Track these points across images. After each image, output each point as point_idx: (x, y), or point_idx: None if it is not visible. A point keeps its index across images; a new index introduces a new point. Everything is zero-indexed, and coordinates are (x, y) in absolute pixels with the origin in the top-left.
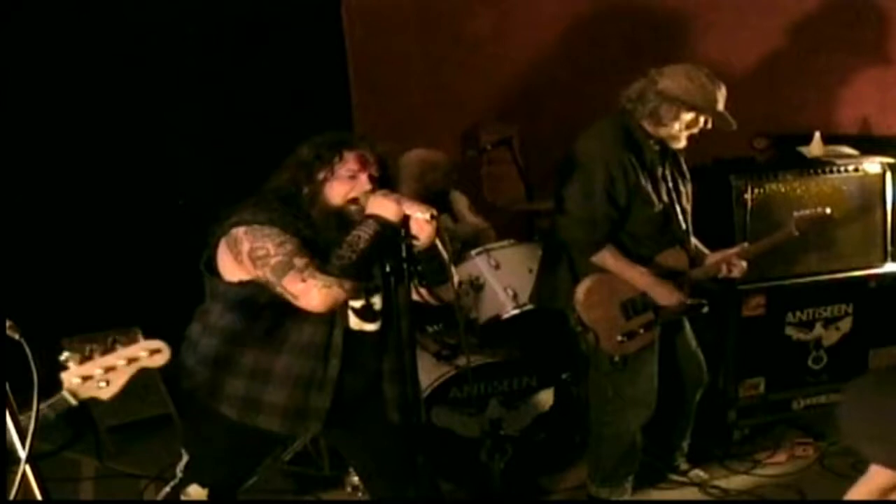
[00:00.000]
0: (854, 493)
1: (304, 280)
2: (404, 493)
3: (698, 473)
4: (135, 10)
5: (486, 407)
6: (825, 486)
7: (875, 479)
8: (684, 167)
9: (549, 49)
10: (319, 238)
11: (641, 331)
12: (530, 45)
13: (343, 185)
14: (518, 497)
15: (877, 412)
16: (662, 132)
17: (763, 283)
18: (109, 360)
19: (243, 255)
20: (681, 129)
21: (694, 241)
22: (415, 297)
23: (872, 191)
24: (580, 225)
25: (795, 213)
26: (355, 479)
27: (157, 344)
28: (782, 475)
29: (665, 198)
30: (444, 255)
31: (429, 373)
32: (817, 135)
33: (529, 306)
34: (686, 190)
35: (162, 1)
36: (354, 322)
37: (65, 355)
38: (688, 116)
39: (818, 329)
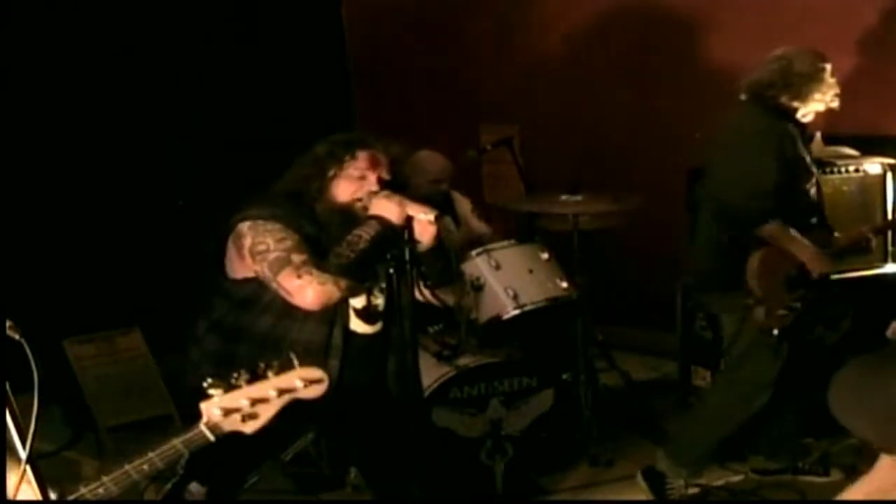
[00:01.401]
0: (854, 490)
1: (299, 276)
2: (406, 493)
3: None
4: (134, 9)
5: (487, 407)
6: (825, 487)
7: (878, 474)
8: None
9: (550, 49)
10: (322, 235)
11: (799, 305)
12: (530, 46)
13: (351, 184)
14: (518, 497)
15: (867, 393)
16: (813, 107)
17: None
18: (259, 390)
19: (245, 250)
20: (821, 102)
21: None
22: (418, 296)
23: (872, 191)
24: (751, 196)
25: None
26: (355, 478)
27: (316, 373)
28: (782, 475)
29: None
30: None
31: (429, 373)
32: (818, 135)
33: (530, 306)
34: (817, 176)
35: (162, 1)
36: (354, 323)
37: (208, 382)
38: (825, 87)
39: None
